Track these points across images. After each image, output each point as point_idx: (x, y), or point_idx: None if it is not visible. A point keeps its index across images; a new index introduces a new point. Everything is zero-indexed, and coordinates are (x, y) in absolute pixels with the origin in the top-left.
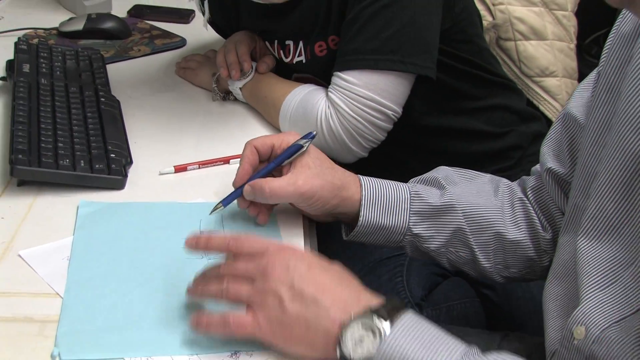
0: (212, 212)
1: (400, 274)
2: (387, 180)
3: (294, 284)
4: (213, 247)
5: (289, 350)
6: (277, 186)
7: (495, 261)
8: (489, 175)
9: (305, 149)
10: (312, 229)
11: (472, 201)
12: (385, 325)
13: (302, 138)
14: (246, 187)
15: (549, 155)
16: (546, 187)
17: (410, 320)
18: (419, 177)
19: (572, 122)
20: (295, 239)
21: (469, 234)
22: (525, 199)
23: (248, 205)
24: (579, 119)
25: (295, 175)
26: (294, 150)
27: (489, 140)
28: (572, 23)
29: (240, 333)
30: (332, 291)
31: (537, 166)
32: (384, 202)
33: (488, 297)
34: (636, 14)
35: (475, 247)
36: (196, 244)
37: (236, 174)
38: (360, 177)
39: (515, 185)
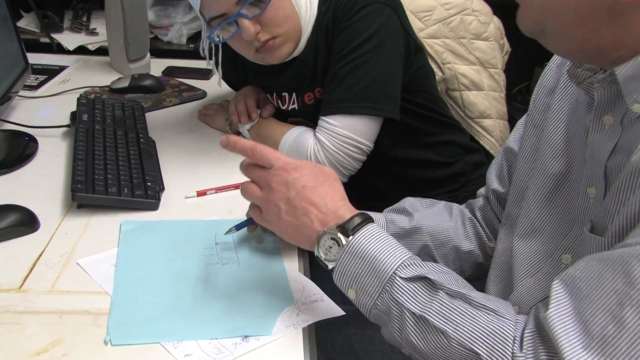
0: (226, 233)
1: None
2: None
3: (289, 199)
4: (237, 149)
5: (282, 237)
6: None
7: (453, 268)
8: (443, 202)
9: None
10: (305, 253)
11: (434, 223)
12: (344, 239)
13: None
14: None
15: (493, 179)
16: (491, 205)
17: (369, 230)
18: (391, 207)
19: (510, 153)
20: (291, 260)
21: (432, 248)
22: (473, 218)
23: (255, 229)
24: (515, 150)
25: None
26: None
27: (441, 168)
28: (502, 78)
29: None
30: (317, 207)
31: (482, 189)
32: None
33: None
34: (544, 45)
35: (438, 258)
36: (226, 144)
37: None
38: None
39: (463, 207)
